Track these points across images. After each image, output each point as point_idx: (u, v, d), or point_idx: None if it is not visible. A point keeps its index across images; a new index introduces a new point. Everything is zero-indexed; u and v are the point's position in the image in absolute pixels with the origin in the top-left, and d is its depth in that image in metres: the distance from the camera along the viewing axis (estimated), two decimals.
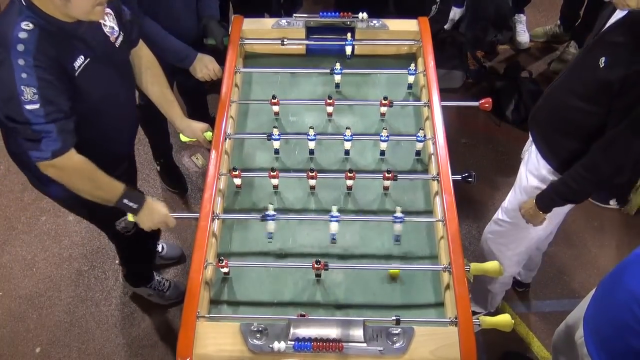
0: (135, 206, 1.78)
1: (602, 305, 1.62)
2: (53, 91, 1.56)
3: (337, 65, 2.14)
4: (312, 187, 1.94)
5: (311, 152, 2.03)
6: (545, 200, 1.94)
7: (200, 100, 3.13)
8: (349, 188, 1.93)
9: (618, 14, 1.72)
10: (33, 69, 1.51)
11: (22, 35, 1.52)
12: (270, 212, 1.79)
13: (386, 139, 1.97)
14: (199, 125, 2.04)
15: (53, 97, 1.56)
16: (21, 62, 1.51)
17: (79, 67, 1.64)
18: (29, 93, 1.51)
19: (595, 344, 1.61)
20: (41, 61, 1.53)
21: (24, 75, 1.51)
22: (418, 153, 2.03)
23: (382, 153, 2.02)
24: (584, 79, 1.79)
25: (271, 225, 1.81)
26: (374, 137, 2.03)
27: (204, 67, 2.35)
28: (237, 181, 1.93)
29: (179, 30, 2.32)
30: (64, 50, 1.61)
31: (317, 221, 1.85)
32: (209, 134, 2.02)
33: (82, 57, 1.65)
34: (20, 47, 1.51)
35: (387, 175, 1.86)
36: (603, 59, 1.69)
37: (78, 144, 1.70)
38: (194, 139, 2.06)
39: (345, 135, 1.96)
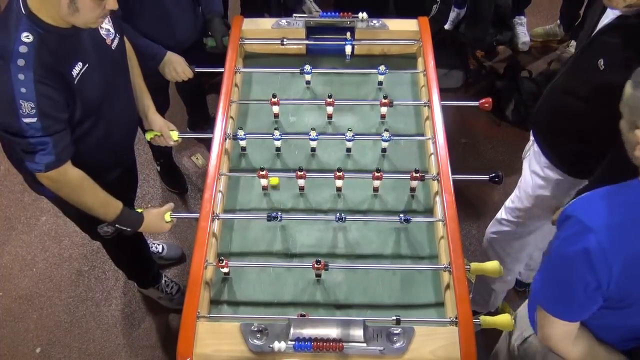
0: (128, 230, 1.84)
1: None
2: (51, 105, 1.56)
3: (307, 67, 2.14)
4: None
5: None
6: None
7: (200, 100, 3.13)
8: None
9: (609, 13, 1.71)
10: (33, 84, 1.51)
11: (23, 49, 1.51)
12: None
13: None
14: (162, 120, 2.06)
15: (51, 111, 1.56)
16: (21, 76, 1.50)
17: (78, 74, 1.64)
18: (26, 107, 1.51)
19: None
20: (41, 75, 1.53)
21: (23, 90, 1.50)
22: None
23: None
24: (584, 80, 1.79)
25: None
26: (373, 137, 2.03)
27: (172, 69, 2.31)
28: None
29: (170, 29, 2.30)
30: (62, 58, 1.60)
31: (318, 221, 1.85)
32: (174, 134, 2.04)
33: (80, 63, 1.65)
34: (21, 62, 1.50)
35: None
36: (602, 61, 1.69)
37: (77, 149, 1.70)
38: (159, 133, 2.06)
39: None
